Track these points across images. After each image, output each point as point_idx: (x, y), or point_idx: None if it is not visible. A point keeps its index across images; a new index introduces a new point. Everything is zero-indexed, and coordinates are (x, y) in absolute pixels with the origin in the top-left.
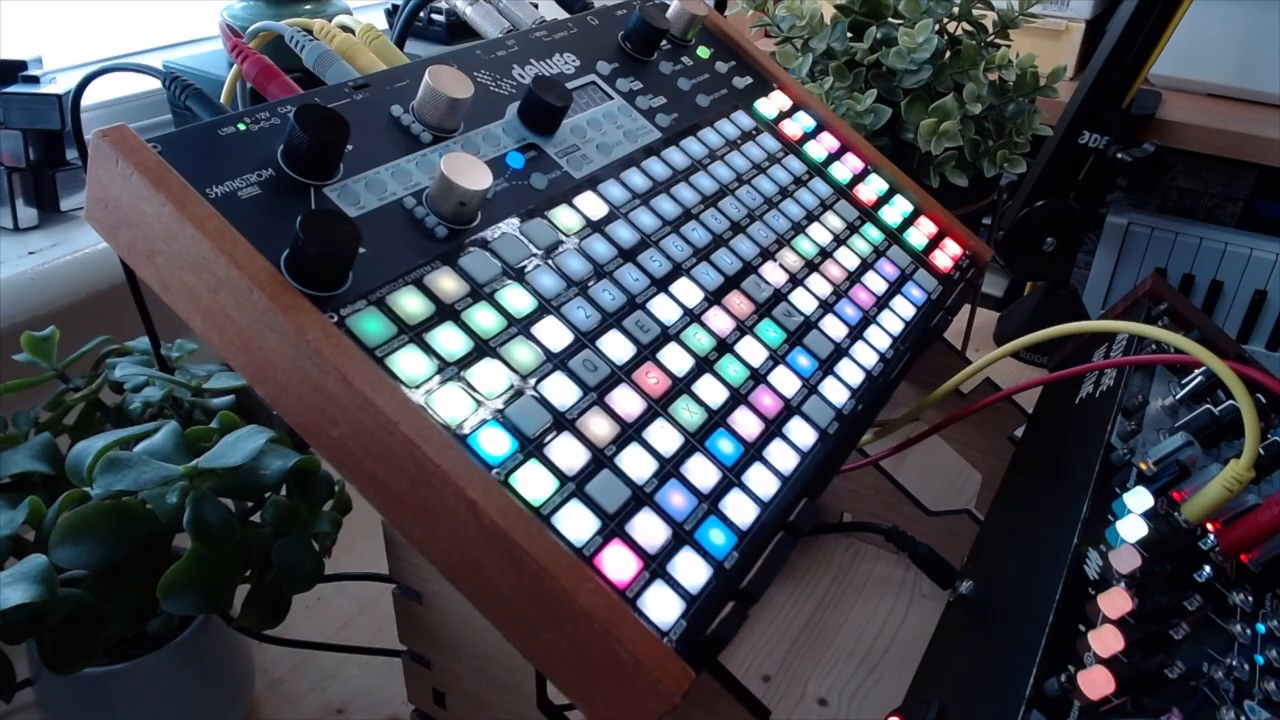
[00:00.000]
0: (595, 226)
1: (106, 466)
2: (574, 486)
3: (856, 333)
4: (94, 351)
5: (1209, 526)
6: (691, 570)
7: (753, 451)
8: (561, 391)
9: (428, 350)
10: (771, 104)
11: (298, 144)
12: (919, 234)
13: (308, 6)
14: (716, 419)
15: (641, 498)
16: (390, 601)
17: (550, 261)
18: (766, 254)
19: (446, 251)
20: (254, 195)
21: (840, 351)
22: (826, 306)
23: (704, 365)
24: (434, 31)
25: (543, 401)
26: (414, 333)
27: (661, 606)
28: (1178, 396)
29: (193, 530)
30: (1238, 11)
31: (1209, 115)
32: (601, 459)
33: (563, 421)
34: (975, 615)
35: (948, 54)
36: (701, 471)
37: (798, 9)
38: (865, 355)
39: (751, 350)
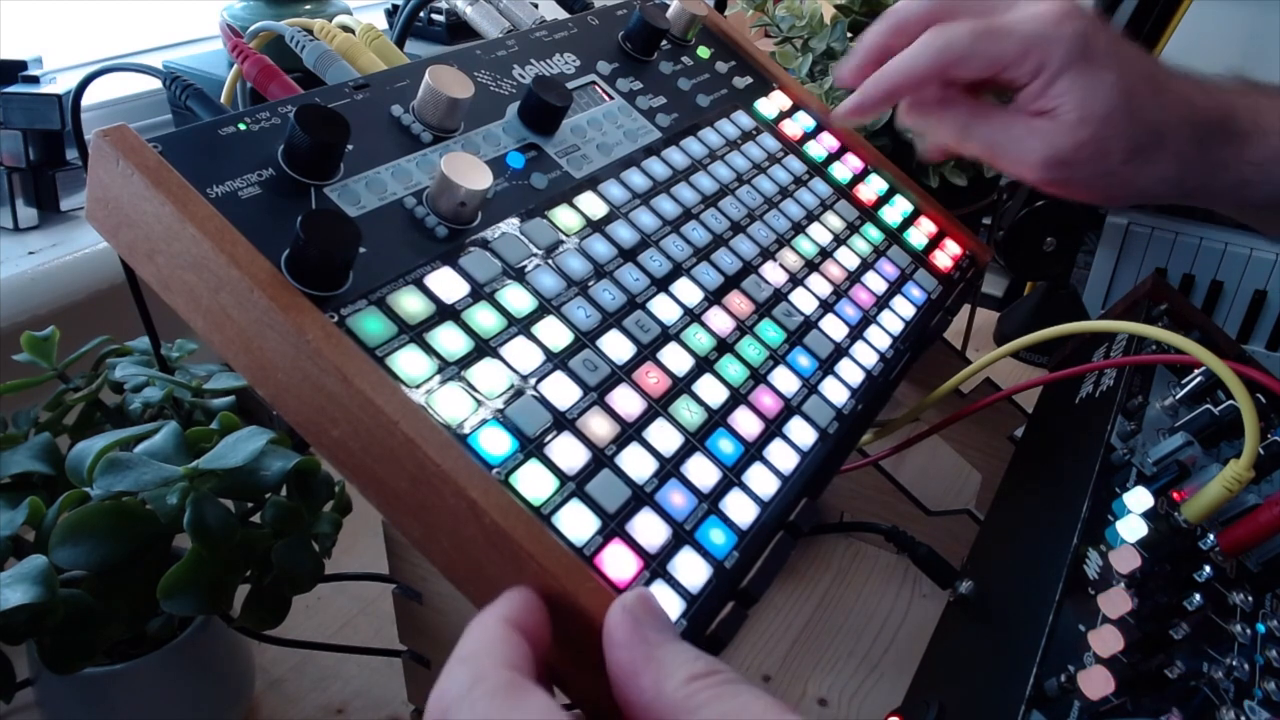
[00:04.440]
0: (595, 226)
1: (106, 467)
2: (574, 486)
3: (856, 332)
4: (94, 351)
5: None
6: (692, 570)
7: (753, 451)
8: (562, 391)
9: (428, 350)
10: (771, 104)
11: (298, 144)
12: (919, 234)
13: (308, 6)
14: (716, 419)
15: (642, 497)
16: (390, 601)
17: (550, 261)
18: (766, 254)
19: (447, 251)
20: (254, 195)
21: (840, 351)
22: (826, 306)
23: (704, 365)
24: (434, 31)
25: (543, 401)
26: (414, 332)
27: (661, 605)
28: (1178, 396)
29: (193, 531)
30: (1238, 11)
31: None
32: (602, 459)
33: (563, 421)
34: (975, 615)
35: None
36: (702, 471)
37: (798, 9)
38: (865, 355)
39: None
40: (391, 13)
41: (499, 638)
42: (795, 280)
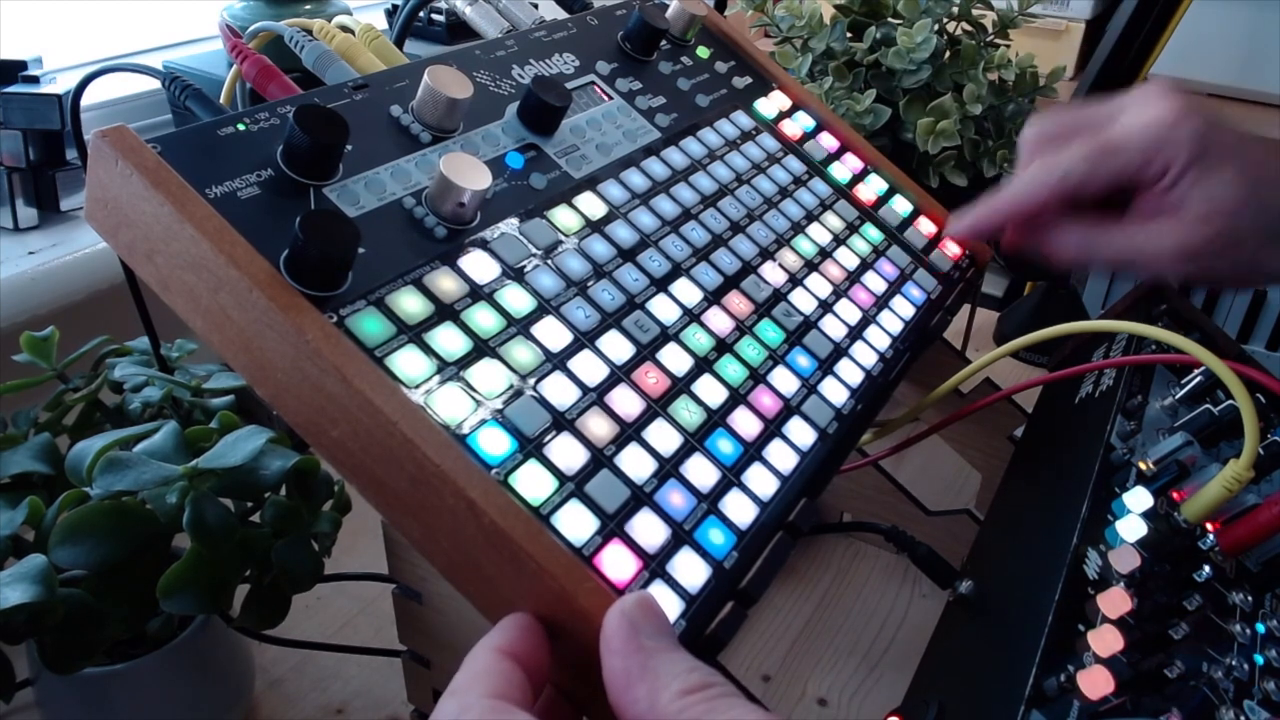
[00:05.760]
0: (595, 226)
1: (106, 466)
2: (573, 486)
3: (856, 332)
4: (94, 351)
5: (1208, 526)
6: (691, 570)
7: (752, 451)
8: (561, 391)
9: (427, 350)
10: (771, 104)
11: (297, 144)
12: (919, 234)
13: (308, 6)
14: (716, 419)
15: (641, 497)
16: (390, 601)
17: (550, 261)
18: (766, 254)
19: (446, 251)
20: (254, 195)
21: (840, 351)
22: (826, 306)
23: (703, 365)
24: (434, 31)
25: (542, 401)
26: (413, 333)
27: (661, 606)
28: (1177, 396)
29: (192, 530)
30: (1238, 11)
31: None
32: (601, 459)
33: (562, 421)
34: (975, 615)
35: (947, 54)
36: (701, 471)
37: (797, 9)
38: (865, 355)
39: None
40: (391, 13)
41: (486, 668)
42: (794, 280)
